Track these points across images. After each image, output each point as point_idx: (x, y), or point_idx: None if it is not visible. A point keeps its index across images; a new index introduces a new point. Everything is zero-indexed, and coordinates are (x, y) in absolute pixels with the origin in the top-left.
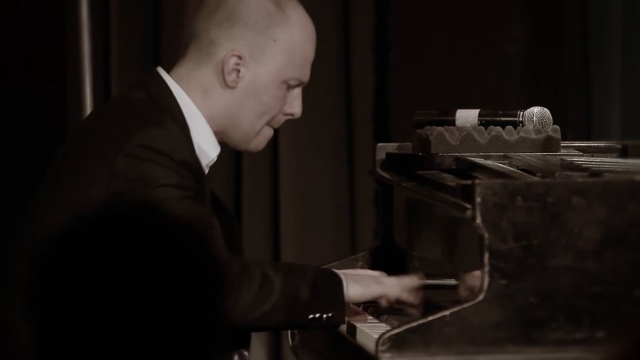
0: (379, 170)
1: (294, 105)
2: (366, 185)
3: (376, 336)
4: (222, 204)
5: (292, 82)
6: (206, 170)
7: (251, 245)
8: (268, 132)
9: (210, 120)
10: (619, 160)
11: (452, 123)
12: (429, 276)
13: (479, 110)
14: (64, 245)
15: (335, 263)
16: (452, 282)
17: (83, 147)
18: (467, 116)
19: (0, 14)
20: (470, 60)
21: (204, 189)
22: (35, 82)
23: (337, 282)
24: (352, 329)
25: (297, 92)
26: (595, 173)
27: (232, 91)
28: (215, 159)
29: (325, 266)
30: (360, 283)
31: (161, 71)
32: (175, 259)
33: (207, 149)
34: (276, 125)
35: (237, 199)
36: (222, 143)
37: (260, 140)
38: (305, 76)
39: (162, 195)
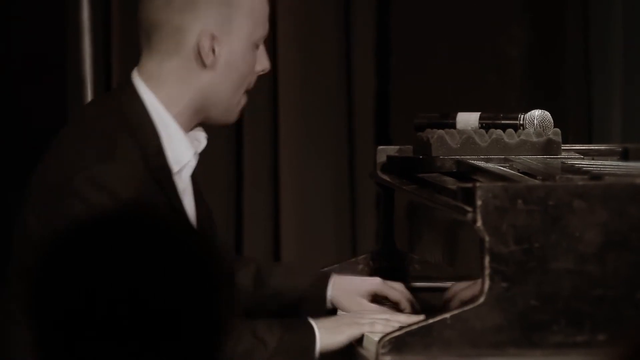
0: (379, 173)
1: (263, 61)
2: (367, 188)
3: (376, 339)
4: (203, 205)
5: (259, 41)
6: (187, 171)
7: (252, 248)
8: (243, 100)
9: (185, 113)
10: (620, 163)
11: (453, 126)
12: (429, 279)
13: (479, 113)
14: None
15: (336, 266)
16: (448, 285)
17: (44, 173)
18: (467, 119)
19: (0, 16)
20: (471, 64)
21: (167, 198)
22: (36, 85)
23: (306, 335)
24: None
25: (262, 48)
26: (596, 176)
27: (212, 71)
28: (194, 160)
29: (325, 269)
30: (333, 330)
31: (135, 78)
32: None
33: (180, 154)
34: (250, 87)
35: (237, 201)
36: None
37: (238, 109)
38: (267, 29)
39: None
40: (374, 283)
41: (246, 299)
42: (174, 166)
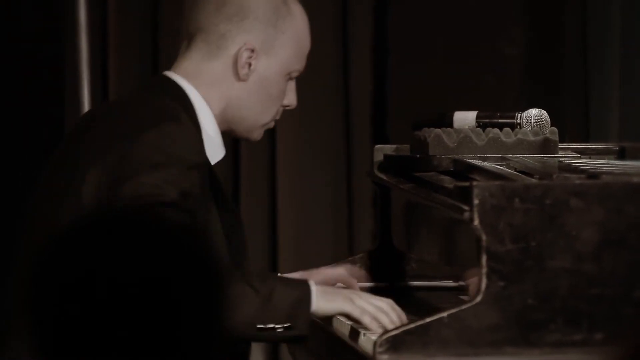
0: (376, 172)
1: (291, 97)
2: (364, 187)
3: (374, 338)
4: (229, 205)
5: (293, 74)
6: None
7: (249, 247)
8: (271, 124)
9: (219, 113)
10: (617, 162)
11: (450, 125)
12: (426, 278)
13: (476, 112)
14: (62, 252)
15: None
16: (448, 283)
17: (87, 143)
18: (465, 118)
19: None
20: (469, 63)
21: (209, 192)
22: (32, 85)
23: (303, 291)
24: (352, 331)
25: (293, 83)
26: (593, 175)
27: (243, 84)
28: (221, 158)
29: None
30: (329, 296)
31: (169, 74)
32: (172, 271)
33: (214, 151)
34: (277, 117)
35: (234, 200)
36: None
37: (262, 131)
38: (303, 66)
39: (165, 206)
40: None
41: None
42: (210, 159)
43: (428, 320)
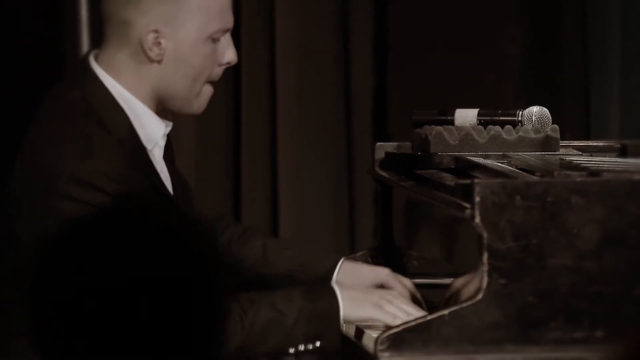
0: (378, 170)
1: (228, 54)
2: (365, 184)
3: (375, 335)
4: (182, 181)
5: (216, 35)
6: (158, 152)
7: None
8: (208, 91)
9: (147, 98)
10: (618, 159)
11: (451, 122)
12: (427, 275)
13: (478, 109)
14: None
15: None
16: (446, 281)
17: (24, 178)
18: (466, 116)
19: None
20: (470, 61)
21: (150, 182)
22: (33, 82)
23: (330, 304)
24: (356, 329)
25: (225, 41)
26: (594, 172)
27: (160, 65)
28: (166, 135)
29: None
30: (357, 303)
31: (92, 62)
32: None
33: (151, 132)
34: (215, 79)
35: (236, 198)
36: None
37: (202, 101)
38: (228, 23)
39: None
40: (382, 274)
41: (249, 276)
42: (147, 144)
43: (429, 317)
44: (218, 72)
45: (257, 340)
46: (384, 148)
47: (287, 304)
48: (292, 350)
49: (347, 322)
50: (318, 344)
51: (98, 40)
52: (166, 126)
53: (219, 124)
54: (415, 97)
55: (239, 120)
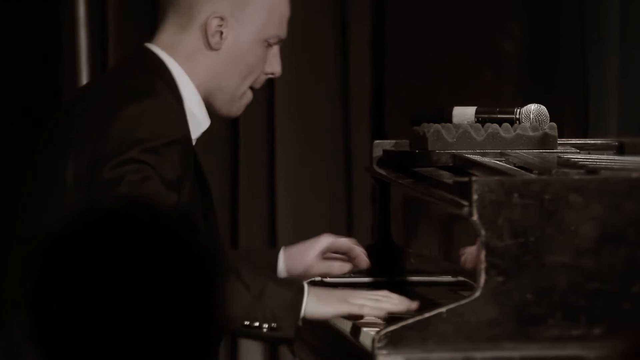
0: (375, 168)
1: (274, 64)
2: (363, 182)
3: (373, 333)
4: (205, 182)
5: (272, 40)
6: (194, 142)
7: (248, 242)
8: (249, 95)
9: (199, 84)
10: (616, 157)
11: (449, 120)
12: (425, 273)
13: (475, 107)
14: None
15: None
16: (447, 279)
17: (69, 126)
18: (464, 113)
19: None
20: (468, 59)
21: (190, 168)
22: (31, 81)
23: (295, 295)
24: (352, 327)
25: (275, 51)
26: (592, 170)
27: (217, 53)
28: (201, 133)
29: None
30: (323, 300)
31: (150, 45)
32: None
33: (198, 123)
34: (257, 86)
35: (233, 195)
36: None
37: (242, 104)
38: (284, 33)
39: (149, 184)
40: (320, 242)
41: None
42: (193, 132)
43: (427, 315)
44: (262, 79)
45: None
46: (381, 146)
47: (253, 279)
48: (247, 323)
49: (315, 317)
50: (274, 325)
51: (96, 37)
52: (208, 122)
53: (217, 122)
54: (413, 95)
55: (236, 119)
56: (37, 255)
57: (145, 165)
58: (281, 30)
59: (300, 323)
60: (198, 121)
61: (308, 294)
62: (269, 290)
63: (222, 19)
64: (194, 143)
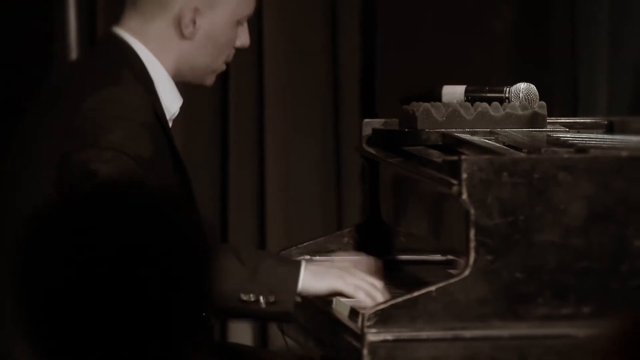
0: (365, 146)
1: (243, 38)
2: (353, 161)
3: (362, 312)
4: (184, 169)
5: (242, 19)
6: (170, 123)
7: (238, 222)
8: (222, 68)
9: (169, 68)
10: (605, 136)
11: (439, 99)
12: (414, 252)
13: (465, 86)
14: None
15: (322, 239)
16: (436, 257)
17: (37, 120)
18: (453, 92)
19: None
20: (458, 38)
21: (164, 153)
22: (20, 62)
23: (292, 268)
24: (339, 304)
25: (245, 26)
26: (582, 149)
27: (190, 41)
28: (177, 112)
29: (311, 242)
30: (319, 275)
31: (117, 30)
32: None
33: (170, 103)
34: (228, 60)
35: (223, 175)
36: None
37: (214, 76)
38: (253, 8)
39: (126, 170)
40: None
41: None
42: (167, 113)
43: (416, 294)
44: (231, 54)
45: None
46: (371, 125)
47: (249, 254)
48: (244, 297)
49: (310, 292)
50: (272, 299)
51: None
52: (180, 103)
53: (206, 104)
54: (403, 75)
55: (226, 98)
56: (21, 237)
57: (116, 151)
58: (251, 8)
59: (298, 298)
60: (170, 102)
61: (305, 269)
62: (265, 264)
63: (196, 9)
64: (170, 124)
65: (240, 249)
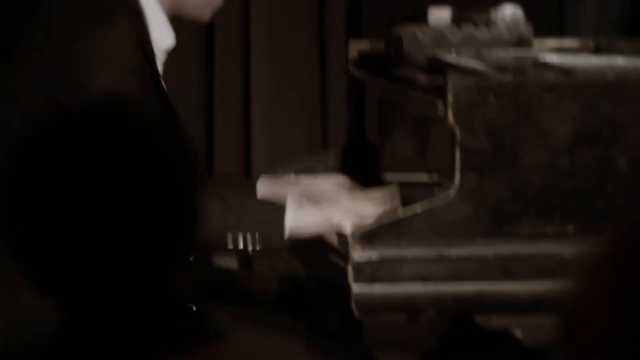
0: (351, 68)
1: None
2: (339, 82)
3: (348, 232)
4: (174, 112)
5: None
6: (163, 58)
7: (223, 141)
8: (218, 2)
9: (163, 3)
10: (592, 58)
11: (425, 21)
12: (400, 172)
13: (451, 8)
14: (21, 158)
15: (307, 159)
16: (422, 177)
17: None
18: (439, 15)
19: None
20: None
21: (152, 94)
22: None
23: (278, 208)
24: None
25: None
26: (568, 71)
27: None
28: (172, 46)
29: (296, 162)
30: (306, 216)
31: None
32: (144, 176)
33: (161, 39)
34: None
35: (208, 95)
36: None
37: (210, 10)
38: None
39: (115, 111)
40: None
41: None
42: (157, 51)
43: (401, 214)
44: None
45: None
46: (357, 45)
47: (234, 196)
48: (231, 240)
49: (297, 229)
50: (260, 244)
51: None
52: (171, 39)
53: (190, 30)
54: None
55: (211, 23)
56: (3, 170)
57: (105, 95)
58: None
59: (286, 237)
60: (162, 36)
61: (291, 207)
62: (251, 205)
63: None
64: (160, 63)
65: (225, 190)
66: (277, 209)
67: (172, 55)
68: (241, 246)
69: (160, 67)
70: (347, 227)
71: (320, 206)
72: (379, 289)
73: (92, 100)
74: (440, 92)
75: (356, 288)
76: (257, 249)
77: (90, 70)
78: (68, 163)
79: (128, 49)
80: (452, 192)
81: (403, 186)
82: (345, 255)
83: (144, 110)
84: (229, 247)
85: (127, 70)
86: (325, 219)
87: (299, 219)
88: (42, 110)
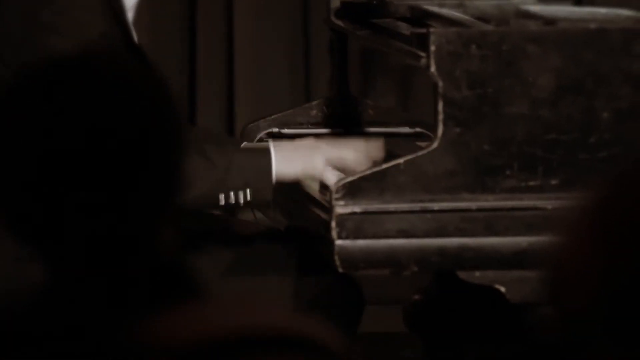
0: (333, 19)
1: None
2: (321, 33)
3: (331, 185)
4: (146, 58)
5: None
6: (131, 12)
7: (206, 93)
8: None
9: None
10: (574, 8)
11: None
12: (383, 124)
13: None
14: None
15: (290, 111)
16: (405, 130)
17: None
18: None
19: None
20: None
21: (125, 30)
22: None
23: (262, 157)
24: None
25: None
26: (550, 21)
27: None
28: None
29: (279, 114)
30: (290, 160)
31: None
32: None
33: None
34: None
35: (191, 49)
36: None
37: None
38: None
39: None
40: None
41: None
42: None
43: (384, 166)
44: None
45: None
46: None
47: (218, 153)
48: (222, 197)
49: (283, 177)
50: (249, 191)
51: None
52: None
53: None
54: None
55: None
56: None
57: (78, 32)
58: None
59: (273, 183)
60: None
61: (275, 154)
62: (235, 160)
63: None
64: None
65: (208, 147)
66: (262, 159)
67: (154, 8)
68: (232, 202)
69: (130, 16)
70: (331, 179)
71: (302, 150)
72: (362, 242)
73: (63, 64)
74: (422, 42)
75: (339, 241)
76: (248, 200)
77: (58, 38)
78: (42, 124)
79: (95, 14)
80: (434, 144)
81: (387, 139)
82: (328, 209)
83: (118, 67)
84: (219, 205)
85: (96, 36)
86: (308, 162)
87: (282, 165)
88: (14, 51)
